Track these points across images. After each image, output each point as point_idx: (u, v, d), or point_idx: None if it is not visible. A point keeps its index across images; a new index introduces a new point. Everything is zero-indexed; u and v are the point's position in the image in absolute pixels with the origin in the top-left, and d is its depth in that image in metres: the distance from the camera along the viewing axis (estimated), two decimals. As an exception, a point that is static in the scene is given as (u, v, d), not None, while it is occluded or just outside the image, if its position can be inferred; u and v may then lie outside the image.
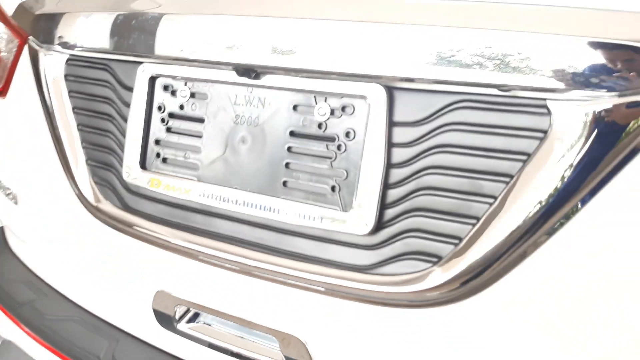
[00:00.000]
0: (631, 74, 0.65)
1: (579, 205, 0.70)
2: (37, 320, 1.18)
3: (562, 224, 0.71)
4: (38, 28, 1.16)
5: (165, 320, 1.03)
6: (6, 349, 1.22)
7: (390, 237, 0.81)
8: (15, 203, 1.31)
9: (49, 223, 1.23)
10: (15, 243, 1.39)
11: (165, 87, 0.99)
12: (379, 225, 0.81)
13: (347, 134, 0.83)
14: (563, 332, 0.73)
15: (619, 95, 0.66)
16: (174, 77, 0.98)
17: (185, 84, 0.97)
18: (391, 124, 0.80)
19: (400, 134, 0.80)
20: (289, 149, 0.88)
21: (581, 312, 0.71)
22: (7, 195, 1.34)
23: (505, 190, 0.73)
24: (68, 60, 1.12)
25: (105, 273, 1.12)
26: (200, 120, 0.96)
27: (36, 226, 1.27)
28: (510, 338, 0.76)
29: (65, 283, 1.23)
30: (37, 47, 1.16)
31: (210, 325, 1.02)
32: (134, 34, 0.99)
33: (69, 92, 1.12)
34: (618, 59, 0.65)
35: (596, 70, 0.66)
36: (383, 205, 0.81)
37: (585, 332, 0.72)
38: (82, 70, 1.10)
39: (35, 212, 1.26)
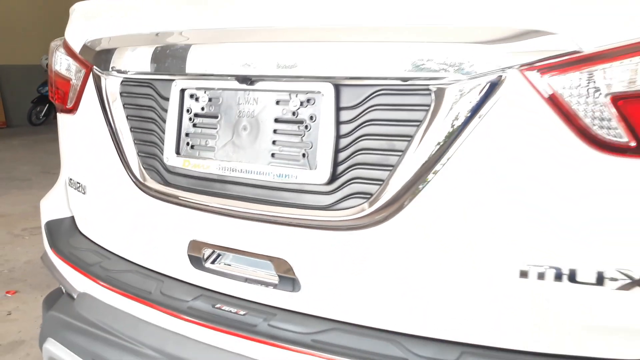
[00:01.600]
0: (463, 64, 1.05)
1: (453, 151, 1.09)
2: (104, 274, 1.60)
3: (443, 165, 1.10)
4: (99, 60, 1.60)
5: (196, 262, 1.44)
6: (82, 299, 1.64)
7: (340, 185, 1.21)
8: (84, 193, 1.75)
9: (110, 203, 1.66)
10: (82, 225, 1.82)
11: (191, 96, 1.42)
12: (333, 177, 1.21)
13: (311, 117, 1.24)
14: (447, 243, 1.12)
15: (469, 79, 1.06)
16: (197, 88, 1.40)
17: (205, 92, 1.39)
18: (338, 109, 1.21)
19: (344, 115, 1.20)
20: (274, 131, 1.29)
21: (455, 229, 1.10)
22: (77, 188, 1.78)
23: (408, 146, 1.13)
24: (122, 81, 1.56)
25: (151, 233, 1.54)
26: (215, 117, 1.38)
27: (100, 207, 1.70)
28: (413, 244, 1.15)
29: (121, 246, 1.66)
30: (99, 74, 1.60)
31: (229, 264, 1.42)
32: (169, 59, 1.42)
33: (124, 104, 1.55)
34: (461, 55, 1.06)
35: (452, 64, 1.06)
36: (335, 164, 1.21)
37: (461, 243, 1.10)
38: (132, 88, 1.53)
39: (99, 196, 1.69)
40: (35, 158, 8.70)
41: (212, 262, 1.43)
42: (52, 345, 1.63)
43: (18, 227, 5.10)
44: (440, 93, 1.08)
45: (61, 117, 1.83)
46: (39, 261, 4.05)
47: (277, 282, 1.31)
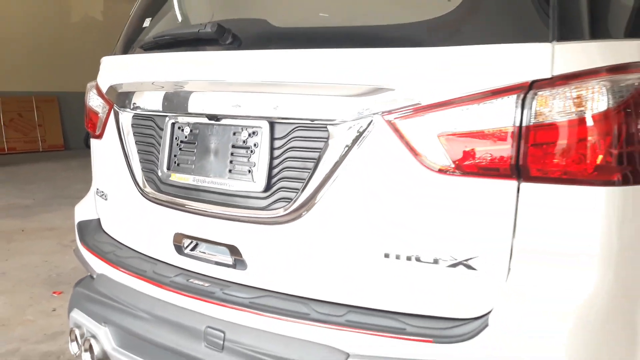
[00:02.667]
0: (347, 111, 1.54)
1: (341, 170, 1.59)
2: (115, 259, 2.14)
3: (335, 179, 1.60)
4: (118, 100, 2.15)
5: (178, 249, 1.96)
6: (100, 278, 2.18)
7: (272, 193, 1.71)
8: (105, 199, 2.30)
9: (121, 206, 2.21)
10: (104, 224, 2.37)
11: (179, 128, 1.95)
12: (267, 187, 1.72)
13: (255, 145, 1.75)
14: (337, 233, 1.61)
15: (351, 120, 1.56)
16: (183, 123, 1.94)
17: (188, 125, 1.92)
18: (272, 139, 1.71)
19: (275, 144, 1.71)
20: (231, 154, 1.81)
21: (343, 224, 1.60)
22: (101, 196, 2.34)
23: (315, 166, 1.63)
24: (133, 116, 2.11)
25: (148, 228, 2.08)
26: (194, 143, 1.91)
27: (115, 209, 2.25)
28: (317, 234, 1.65)
29: (128, 238, 2.20)
30: (118, 110, 2.16)
31: (201, 251, 1.94)
32: (164, 102, 1.96)
33: (134, 133, 2.10)
34: (346, 105, 1.56)
35: (340, 110, 1.57)
36: (269, 178, 1.71)
37: (346, 234, 1.60)
38: (140, 121, 2.08)
39: (115, 201, 2.24)
40: (88, 178, 9.44)
41: (190, 250, 1.95)
42: (76, 314, 2.17)
43: (67, 239, 5.73)
44: (333, 130, 1.59)
45: (92, 141, 2.39)
46: (82, 268, 4.68)
47: (231, 263, 1.83)
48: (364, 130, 1.54)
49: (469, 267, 1.48)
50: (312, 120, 1.61)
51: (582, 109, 1.40)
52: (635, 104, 1.45)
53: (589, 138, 1.40)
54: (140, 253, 2.12)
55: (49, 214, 6.90)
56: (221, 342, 1.71)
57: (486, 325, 1.44)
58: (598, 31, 1.51)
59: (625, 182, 1.43)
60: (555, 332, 1.42)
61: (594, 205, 1.42)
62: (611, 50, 1.49)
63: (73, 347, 2.15)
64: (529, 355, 1.43)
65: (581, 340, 1.43)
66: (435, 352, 1.48)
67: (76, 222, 2.43)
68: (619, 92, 1.42)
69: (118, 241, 2.25)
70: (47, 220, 6.65)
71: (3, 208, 7.27)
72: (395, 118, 1.51)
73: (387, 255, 1.55)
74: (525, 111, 1.41)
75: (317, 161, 1.61)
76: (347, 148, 1.56)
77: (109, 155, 2.22)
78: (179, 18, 2.17)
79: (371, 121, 1.53)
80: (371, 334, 1.54)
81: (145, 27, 2.19)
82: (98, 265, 2.19)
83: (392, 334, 1.52)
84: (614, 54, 1.48)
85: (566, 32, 1.44)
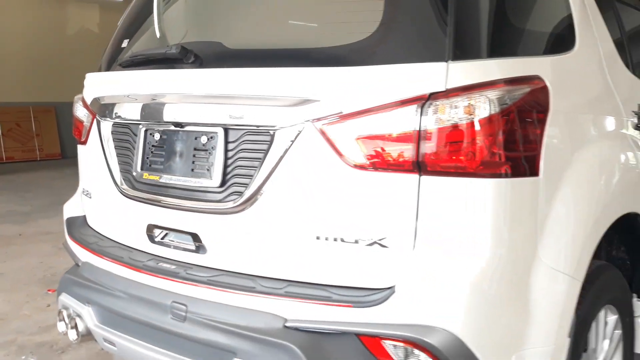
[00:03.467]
0: (284, 118, 1.87)
1: (280, 167, 1.92)
2: (97, 248, 2.47)
3: (275, 175, 1.93)
4: (100, 110, 2.49)
5: (151, 238, 2.29)
6: (84, 265, 2.51)
7: (226, 188, 2.04)
8: (90, 197, 2.63)
9: (103, 203, 2.54)
10: (89, 220, 2.70)
11: (151, 134, 2.28)
12: (222, 183, 2.04)
13: (212, 148, 2.08)
14: (277, 221, 1.94)
15: (288, 126, 1.90)
16: (154, 129, 2.27)
17: (158, 132, 2.26)
18: (226, 142, 2.04)
19: (229, 146, 2.04)
20: (193, 155, 2.14)
21: (281, 213, 1.93)
22: (86, 195, 2.67)
23: (260, 165, 1.96)
24: (113, 124, 2.44)
25: (125, 221, 2.41)
26: (163, 147, 2.24)
27: (97, 206, 2.59)
28: (261, 222, 1.98)
29: (109, 230, 2.53)
30: (100, 119, 2.49)
31: (170, 239, 2.27)
32: (138, 112, 2.29)
33: (113, 139, 2.43)
34: (283, 114, 1.89)
35: (278, 118, 1.91)
36: (223, 175, 2.04)
37: (284, 221, 1.93)
38: (118, 129, 2.41)
39: (98, 199, 2.57)
40: (83, 186, 9.78)
41: (161, 238, 2.28)
42: (64, 297, 2.50)
43: (62, 242, 6.06)
44: (274, 134, 1.92)
45: (79, 147, 2.72)
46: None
47: (194, 248, 2.16)
48: (298, 135, 1.87)
49: (382, 245, 1.80)
50: (258, 126, 1.95)
51: (470, 115, 1.73)
52: (519, 111, 1.79)
53: (476, 138, 1.74)
54: (119, 243, 2.45)
55: (46, 220, 7.24)
56: (184, 314, 2.04)
57: (393, 292, 1.77)
58: (487, 52, 1.85)
59: (507, 174, 1.76)
60: (453, 299, 1.75)
61: (482, 194, 1.76)
62: (498, 67, 1.83)
63: (61, 326, 2.47)
64: (429, 317, 1.75)
65: (475, 306, 1.76)
66: (354, 314, 1.81)
67: (64, 218, 2.76)
68: (501, 101, 1.76)
69: (100, 233, 2.58)
70: (44, 225, 6.99)
71: (2, 214, 7.61)
72: (322, 124, 1.84)
73: (318, 238, 1.88)
74: (423, 117, 1.74)
75: (262, 161, 1.94)
76: (285, 150, 1.89)
77: (92, 159, 2.55)
78: (153, 39, 2.50)
79: (304, 127, 1.86)
80: (305, 302, 1.87)
81: (124, 47, 2.52)
82: (83, 255, 2.52)
83: (321, 301, 1.85)
84: (501, 70, 1.82)
85: (459, 53, 1.78)
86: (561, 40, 2.20)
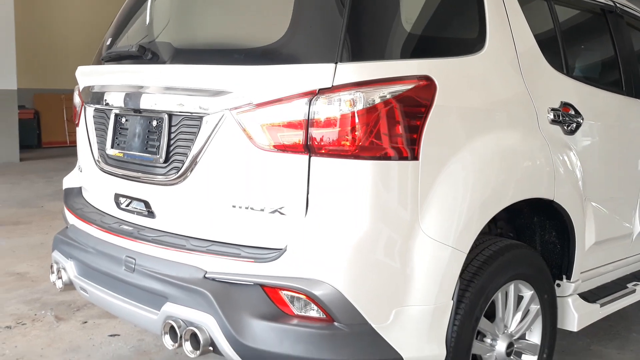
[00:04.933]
0: (209, 106, 2.29)
1: (206, 147, 2.33)
2: (81, 213, 2.94)
3: (203, 153, 2.35)
4: (86, 98, 2.96)
5: (117, 204, 2.75)
6: (71, 227, 3.00)
7: (169, 163, 2.46)
8: (81, 171, 3.12)
9: (87, 175, 3.01)
10: (84, 192, 3.19)
11: (119, 117, 2.74)
12: (166, 159, 2.47)
13: (160, 130, 2.51)
14: (204, 192, 2.36)
15: (212, 113, 2.31)
16: (121, 114, 2.72)
17: (124, 116, 2.71)
18: (169, 126, 2.46)
19: (172, 129, 2.46)
20: (147, 136, 2.57)
21: (207, 186, 2.35)
22: (79, 169, 3.15)
23: (193, 146, 2.38)
24: (94, 109, 2.91)
25: (101, 190, 2.88)
26: (127, 129, 2.69)
27: (85, 178, 3.07)
28: (194, 192, 2.40)
29: (90, 198, 3.00)
30: (86, 106, 2.97)
31: (134, 206, 2.72)
32: (110, 99, 2.75)
33: (94, 122, 2.90)
34: (208, 102, 2.31)
35: (205, 106, 2.32)
36: (167, 153, 2.47)
37: (209, 191, 2.35)
38: (97, 113, 2.87)
39: (85, 172, 3.06)
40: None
41: (125, 205, 2.73)
42: (54, 253, 2.99)
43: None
44: (202, 120, 2.33)
45: (76, 129, 3.22)
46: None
47: (146, 213, 2.60)
48: (220, 121, 2.28)
49: (281, 213, 2.19)
50: (191, 113, 2.36)
51: (352, 107, 2.10)
52: (397, 105, 2.14)
53: (355, 127, 2.10)
54: (97, 209, 2.92)
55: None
56: (133, 266, 2.49)
57: (286, 251, 2.16)
58: (374, 55, 2.21)
59: (384, 158, 2.13)
60: (335, 259, 2.12)
61: (362, 173, 2.12)
62: (382, 68, 2.18)
63: (52, 277, 2.96)
64: (316, 273, 2.13)
65: (354, 266, 2.12)
66: (256, 268, 2.20)
67: (63, 188, 3.26)
68: (379, 97, 2.12)
69: (87, 201, 3.06)
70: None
71: (56, 192, 8.32)
72: (237, 113, 2.24)
73: (234, 206, 2.29)
74: (312, 108, 2.12)
75: (194, 142, 2.36)
76: (210, 133, 2.30)
77: (82, 139, 3.03)
78: (129, 38, 2.96)
79: (224, 115, 2.27)
80: (221, 258, 2.28)
81: (108, 45, 2.99)
82: (71, 218, 3.00)
83: (233, 257, 2.25)
84: (384, 70, 2.17)
85: (347, 56, 2.14)
86: (466, 43, 2.53)
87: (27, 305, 4.44)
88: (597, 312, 3.20)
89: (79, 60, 3.22)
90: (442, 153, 2.28)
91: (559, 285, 3.00)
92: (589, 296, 3.26)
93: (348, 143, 2.10)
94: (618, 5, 3.59)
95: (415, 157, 2.18)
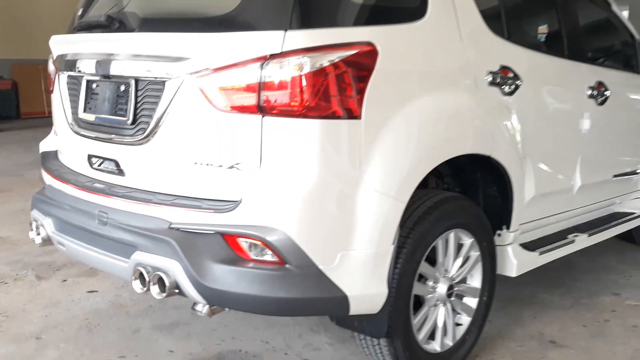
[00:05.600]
0: (171, 71, 2.51)
1: (169, 110, 2.56)
2: (58, 174, 3.16)
3: (167, 114, 2.57)
4: (60, 65, 3.16)
5: (90, 164, 2.98)
6: (48, 187, 3.22)
7: (136, 125, 2.68)
8: (56, 135, 3.33)
9: (62, 138, 3.22)
10: (59, 154, 3.40)
11: (90, 84, 2.95)
12: (133, 121, 2.68)
13: (128, 94, 2.72)
14: (168, 152, 2.59)
15: (173, 78, 2.53)
16: (92, 80, 2.93)
17: (94, 82, 2.92)
18: (136, 90, 2.67)
19: (138, 93, 2.67)
20: (116, 100, 2.78)
21: (169, 147, 2.58)
22: (55, 133, 3.36)
23: (157, 108, 2.60)
24: (67, 76, 3.11)
25: (74, 152, 3.10)
26: (97, 94, 2.90)
27: (60, 141, 3.28)
28: (158, 151, 2.63)
29: (65, 159, 3.22)
30: (59, 73, 3.17)
31: (105, 165, 2.94)
32: (82, 66, 2.96)
33: (67, 88, 3.11)
34: (169, 67, 2.53)
35: (167, 72, 2.54)
36: (134, 115, 2.68)
37: (174, 151, 2.58)
38: (70, 80, 3.07)
39: (60, 136, 3.27)
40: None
41: (97, 165, 2.95)
42: (33, 212, 3.22)
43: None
44: (165, 84, 2.55)
45: (51, 96, 3.42)
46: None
47: (116, 172, 2.83)
48: (181, 85, 2.50)
49: (237, 168, 2.43)
50: (155, 78, 2.58)
51: (299, 71, 2.33)
52: (341, 69, 2.37)
53: (302, 89, 2.33)
54: (71, 169, 3.14)
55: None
56: (105, 220, 2.72)
57: (241, 202, 2.40)
58: (322, 23, 2.43)
59: (329, 117, 2.36)
60: (286, 209, 2.36)
61: (309, 131, 2.35)
62: (327, 35, 2.40)
63: (31, 234, 3.19)
64: (269, 221, 2.37)
65: (303, 215, 2.36)
66: (214, 218, 2.44)
67: (40, 152, 3.47)
68: (325, 60, 2.34)
69: (62, 163, 3.28)
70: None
71: (36, 161, 8.47)
72: (196, 77, 2.46)
73: (195, 163, 2.52)
74: (263, 72, 2.34)
75: (157, 104, 2.58)
76: (172, 96, 2.52)
77: (57, 105, 3.24)
78: (100, 8, 3.15)
79: (184, 79, 2.49)
80: (184, 209, 2.52)
81: (79, 15, 3.18)
82: (47, 179, 3.22)
83: (194, 209, 2.49)
84: (329, 37, 2.40)
85: (297, 24, 2.36)
86: (408, 11, 2.74)
87: (9, 266, 4.66)
88: (535, 259, 3.48)
89: (56, 30, 3.40)
90: (384, 113, 2.51)
91: (499, 234, 3.27)
92: (530, 245, 3.54)
93: (296, 104, 2.33)
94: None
95: (358, 117, 2.41)
